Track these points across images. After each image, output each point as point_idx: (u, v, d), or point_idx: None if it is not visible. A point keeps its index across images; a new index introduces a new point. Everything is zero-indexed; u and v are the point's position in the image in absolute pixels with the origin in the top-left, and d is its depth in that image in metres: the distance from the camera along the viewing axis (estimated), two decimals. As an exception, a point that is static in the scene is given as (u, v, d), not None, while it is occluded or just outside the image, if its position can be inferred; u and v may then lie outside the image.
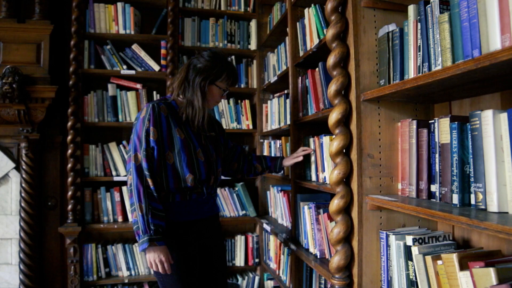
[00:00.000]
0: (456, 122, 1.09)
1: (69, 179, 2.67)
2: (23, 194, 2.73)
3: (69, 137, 2.67)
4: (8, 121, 2.70)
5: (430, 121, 1.23)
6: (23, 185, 2.73)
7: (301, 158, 1.97)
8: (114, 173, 2.84)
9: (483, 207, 1.00)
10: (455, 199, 1.08)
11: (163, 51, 2.89)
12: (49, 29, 2.67)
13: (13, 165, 2.81)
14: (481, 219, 0.86)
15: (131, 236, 3.02)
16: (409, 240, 1.21)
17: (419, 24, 1.20)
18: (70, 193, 2.67)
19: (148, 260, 1.47)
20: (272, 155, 2.87)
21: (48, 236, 2.91)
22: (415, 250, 1.16)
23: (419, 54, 1.19)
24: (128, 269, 2.81)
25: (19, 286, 2.70)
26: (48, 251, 2.91)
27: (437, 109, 1.45)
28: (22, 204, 2.72)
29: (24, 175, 2.73)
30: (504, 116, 0.97)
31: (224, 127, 3.09)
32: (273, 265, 2.77)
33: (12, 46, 2.64)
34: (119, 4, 2.85)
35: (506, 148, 0.96)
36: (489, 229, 0.82)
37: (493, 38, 0.92)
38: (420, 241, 1.21)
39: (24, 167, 2.73)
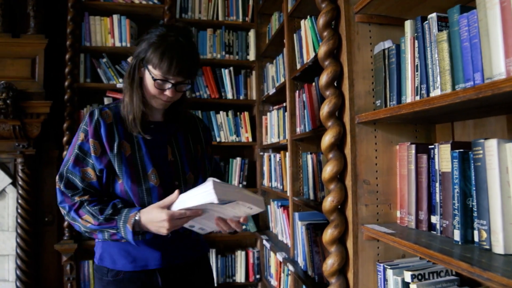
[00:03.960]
0: (457, 151, 0.99)
1: (65, 196, 2.61)
2: (19, 210, 2.68)
3: (65, 152, 2.62)
4: (4, 137, 2.66)
5: (430, 146, 1.13)
6: (20, 201, 2.69)
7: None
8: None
9: (487, 247, 0.90)
10: (457, 235, 0.98)
11: (160, 63, 2.84)
12: (43, 43, 2.63)
13: (10, 180, 2.77)
14: (484, 268, 0.76)
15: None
16: (407, 276, 1.11)
17: (416, 42, 1.11)
18: (65, 209, 2.62)
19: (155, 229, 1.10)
20: (272, 169, 2.78)
21: (45, 252, 2.85)
22: (414, 288, 1.07)
23: (417, 74, 1.10)
24: (125, 287, 2.74)
25: (15, 304, 2.65)
26: (45, 268, 2.85)
27: (439, 130, 1.35)
28: (19, 220, 2.68)
29: (20, 191, 2.69)
30: (510, 146, 0.87)
31: (223, 140, 3.01)
32: (274, 282, 2.68)
33: (7, 61, 2.61)
34: (115, 17, 2.80)
35: (513, 182, 0.86)
36: (492, 281, 0.73)
37: (496, 62, 0.82)
38: (420, 277, 1.11)
39: (20, 182, 2.69)
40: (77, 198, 1.16)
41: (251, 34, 3.09)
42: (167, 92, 1.16)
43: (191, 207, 1.04)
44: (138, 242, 1.16)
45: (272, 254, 2.70)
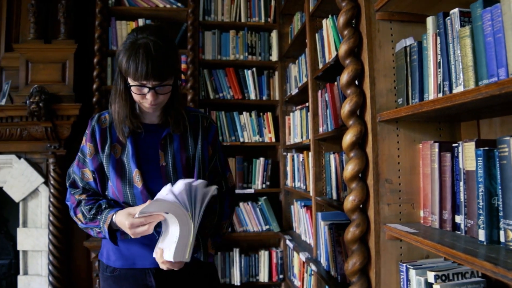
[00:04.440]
0: (481, 149, 0.97)
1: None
2: (51, 208, 2.80)
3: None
4: (37, 138, 2.79)
5: (453, 145, 1.11)
6: (51, 199, 2.81)
7: None
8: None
9: (514, 247, 0.88)
10: (481, 235, 0.96)
11: (183, 65, 2.89)
12: (73, 48, 2.74)
13: (42, 180, 2.90)
14: (509, 268, 0.74)
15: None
16: (430, 276, 1.09)
17: (438, 38, 1.09)
18: (94, 208, 2.71)
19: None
20: (295, 169, 2.78)
21: (75, 249, 2.96)
22: (437, 289, 1.05)
23: (439, 71, 1.08)
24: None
25: (48, 298, 2.77)
26: (76, 264, 2.97)
27: (464, 128, 1.32)
28: (51, 218, 2.80)
29: (52, 190, 2.81)
30: (537, 144, 0.85)
31: (246, 140, 3.03)
32: (297, 283, 2.68)
33: (39, 66, 2.74)
34: (140, 21, 2.88)
35: (540, 181, 0.84)
36: (517, 281, 0.71)
37: (521, 56, 0.80)
38: (444, 277, 1.09)
39: (52, 182, 2.81)
40: (77, 197, 1.23)
41: (274, 34, 3.10)
42: (148, 97, 1.12)
43: (142, 210, 1.05)
44: (126, 240, 1.21)
45: (295, 254, 2.70)
